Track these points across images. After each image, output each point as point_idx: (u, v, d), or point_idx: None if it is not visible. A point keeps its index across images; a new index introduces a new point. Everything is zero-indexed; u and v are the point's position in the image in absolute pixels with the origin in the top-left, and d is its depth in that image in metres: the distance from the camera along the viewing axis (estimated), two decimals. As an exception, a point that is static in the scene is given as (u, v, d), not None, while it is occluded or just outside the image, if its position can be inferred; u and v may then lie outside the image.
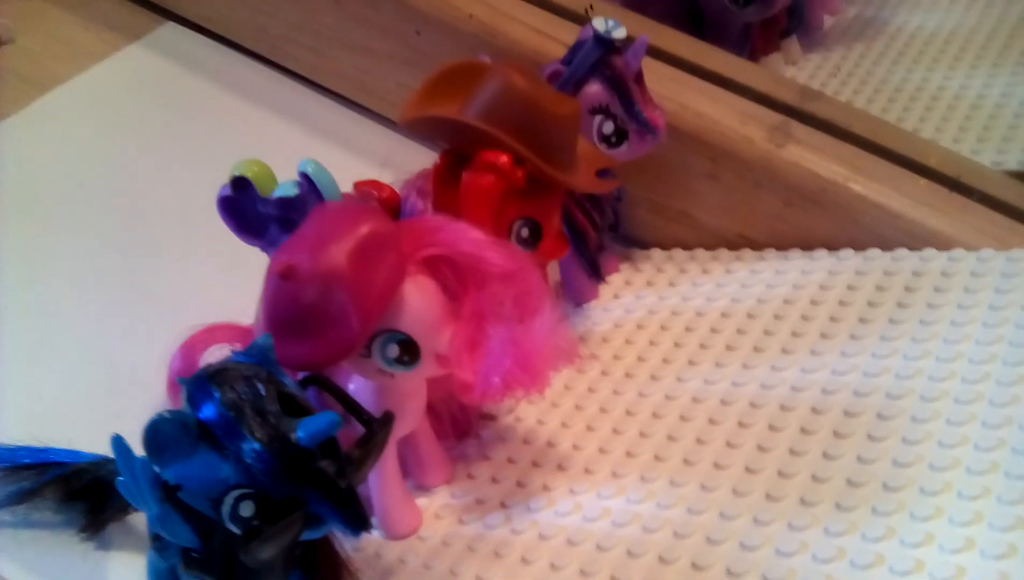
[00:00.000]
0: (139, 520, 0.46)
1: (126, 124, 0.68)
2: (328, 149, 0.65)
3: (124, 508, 0.45)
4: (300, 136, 0.67)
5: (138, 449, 0.35)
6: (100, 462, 0.45)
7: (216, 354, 0.49)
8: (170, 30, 0.74)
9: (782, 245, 0.57)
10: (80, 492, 0.45)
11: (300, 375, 0.39)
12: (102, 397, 0.52)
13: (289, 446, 0.34)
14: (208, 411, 0.34)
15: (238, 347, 0.49)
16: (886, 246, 0.54)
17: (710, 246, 0.59)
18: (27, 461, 0.45)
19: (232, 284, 0.57)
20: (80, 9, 0.75)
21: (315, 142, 0.66)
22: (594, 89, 0.52)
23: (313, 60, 0.70)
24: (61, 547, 0.46)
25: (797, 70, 0.74)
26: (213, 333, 0.49)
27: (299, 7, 0.69)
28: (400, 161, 0.55)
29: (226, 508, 0.34)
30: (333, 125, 0.67)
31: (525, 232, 0.47)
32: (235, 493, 0.34)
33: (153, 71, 0.71)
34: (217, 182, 0.56)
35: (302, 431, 0.34)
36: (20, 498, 0.45)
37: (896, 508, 0.39)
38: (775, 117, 0.58)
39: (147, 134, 0.67)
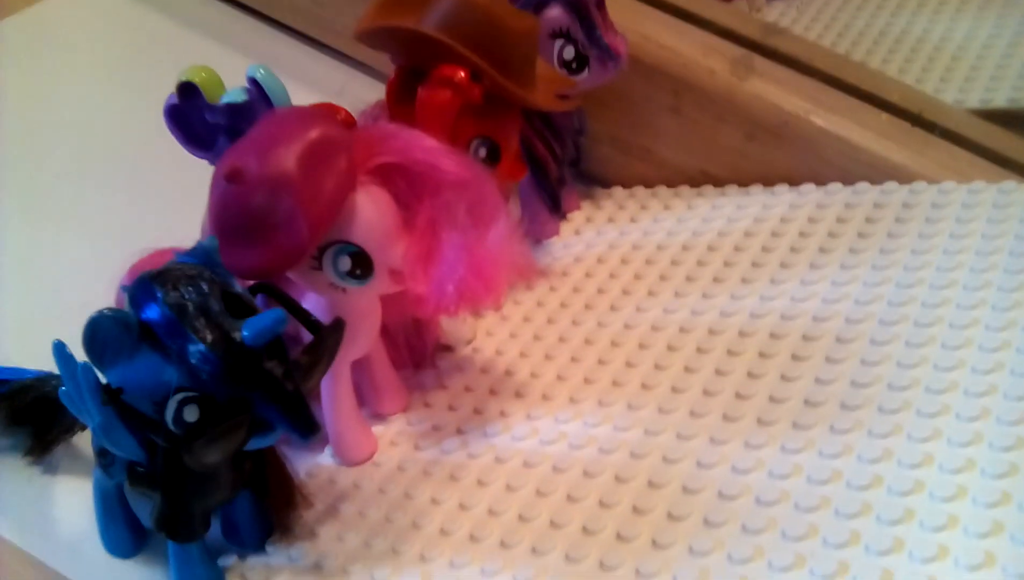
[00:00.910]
0: (85, 444, 0.45)
1: (77, 58, 0.66)
2: (285, 82, 0.63)
3: (70, 428, 0.44)
4: (253, 69, 0.65)
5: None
6: (44, 378, 0.43)
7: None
8: (126, -36, 0.72)
9: (744, 181, 0.57)
10: (25, 411, 0.44)
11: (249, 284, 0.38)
12: (51, 325, 0.50)
13: (234, 346, 0.32)
14: (151, 311, 0.33)
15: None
16: (848, 180, 0.54)
17: (672, 183, 0.59)
18: (-33, 382, 0.44)
19: (184, 214, 0.55)
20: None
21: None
22: (555, 12, 0.51)
23: (270, -6, 0.69)
24: (7, 471, 0.45)
25: (763, 16, 0.73)
26: (162, 256, 0.47)
27: (255, -58, 0.68)
28: (356, 92, 0.54)
29: (170, 412, 0.33)
30: (289, 59, 0.66)
31: (483, 152, 0.46)
32: (179, 396, 0.33)
33: (106, 6, 0.69)
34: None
35: (247, 330, 0.33)
36: (-36, 421, 0.44)
37: (854, 426, 0.39)
38: (737, 50, 0.57)
39: (99, 68, 0.66)
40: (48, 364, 0.43)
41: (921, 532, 0.34)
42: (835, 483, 0.37)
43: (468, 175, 0.38)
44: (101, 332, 0.33)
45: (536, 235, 0.56)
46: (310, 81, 0.63)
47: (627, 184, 0.60)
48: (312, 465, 0.44)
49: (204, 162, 0.46)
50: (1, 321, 0.51)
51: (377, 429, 0.46)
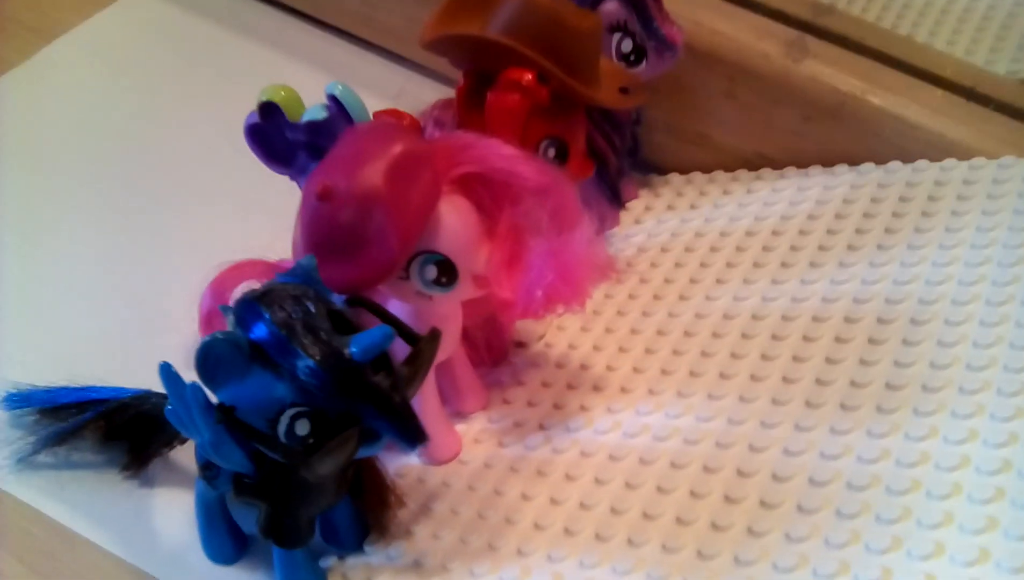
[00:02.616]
0: (181, 456, 0.46)
1: (133, 70, 0.67)
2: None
3: (168, 442, 0.45)
4: (309, 74, 0.66)
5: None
6: (142, 396, 0.45)
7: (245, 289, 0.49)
8: (177, -26, 0.73)
9: (802, 162, 0.57)
10: (121, 429, 0.45)
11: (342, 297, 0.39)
12: (132, 340, 0.52)
13: (343, 361, 0.34)
14: (259, 331, 0.34)
15: (266, 282, 0.49)
16: (907, 158, 0.54)
17: (729, 167, 0.59)
18: (67, 401, 0.45)
19: (251, 222, 0.56)
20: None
21: (325, 80, 0.65)
22: (612, 6, 0.52)
23: (319, -1, 0.69)
24: (105, 486, 0.46)
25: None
26: (241, 269, 0.49)
27: (301, -55, 0.68)
28: (414, 92, 0.55)
29: (282, 427, 0.34)
30: (342, 63, 0.67)
31: (552, 152, 0.47)
32: (291, 411, 0.34)
33: (158, 16, 0.70)
34: (228, 123, 0.56)
35: (355, 346, 0.34)
36: (61, 439, 0.45)
37: (937, 408, 0.40)
38: (790, 32, 0.57)
39: (155, 79, 0.67)
40: (141, 378, 0.44)
41: (1012, 509, 0.35)
42: (924, 465, 0.38)
43: (548, 181, 0.39)
44: (214, 354, 0.34)
45: (598, 227, 0.57)
46: (366, 84, 0.63)
47: (684, 170, 0.60)
48: (401, 466, 0.45)
49: (267, 172, 0.46)
50: (85, 336, 0.52)
51: (460, 427, 0.47)
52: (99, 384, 0.46)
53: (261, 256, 0.50)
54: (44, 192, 0.60)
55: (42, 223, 0.58)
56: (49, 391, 0.46)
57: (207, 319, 0.49)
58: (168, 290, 0.53)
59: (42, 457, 0.46)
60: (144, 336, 0.51)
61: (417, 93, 0.55)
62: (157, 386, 0.39)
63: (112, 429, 0.45)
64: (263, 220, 0.53)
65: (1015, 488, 0.36)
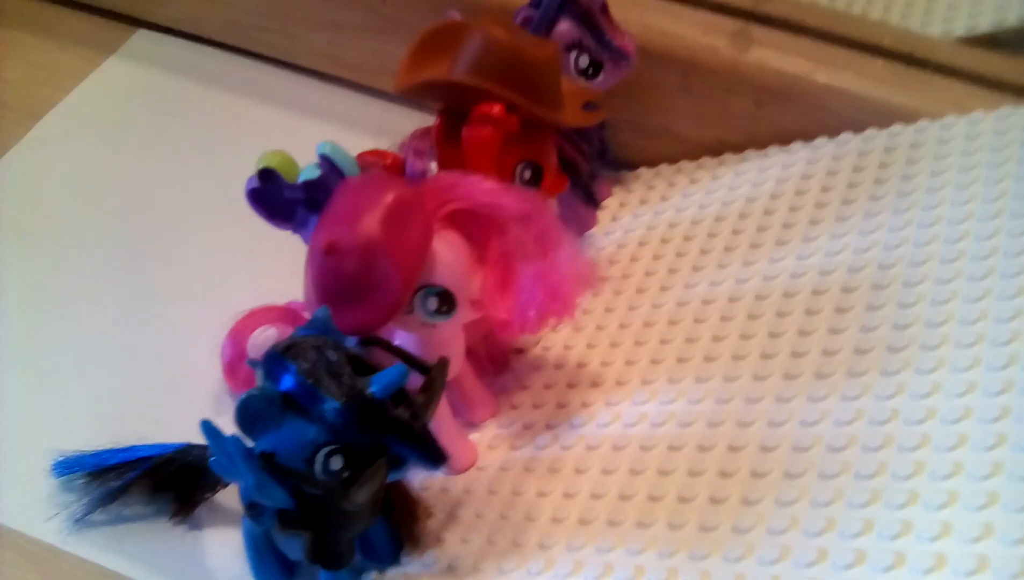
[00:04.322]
0: (225, 498, 0.50)
1: (122, 137, 0.70)
2: (318, 126, 0.68)
3: (212, 487, 0.49)
4: (288, 119, 0.69)
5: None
6: (183, 449, 0.48)
7: (261, 335, 0.53)
8: (143, 37, 0.76)
9: (760, 143, 0.61)
10: (167, 481, 0.49)
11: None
12: (163, 395, 0.55)
13: (366, 400, 0.38)
14: (288, 382, 0.38)
15: (279, 326, 0.53)
16: (857, 128, 0.58)
17: (693, 156, 0.63)
18: (113, 462, 0.49)
19: (256, 269, 0.60)
20: (51, 32, 0.77)
21: (304, 122, 0.69)
22: (565, 27, 0.55)
23: (286, 43, 0.72)
24: (158, 535, 0.49)
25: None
26: (254, 317, 0.53)
27: (262, -6, 0.72)
28: (393, 125, 0.58)
29: (318, 465, 0.38)
30: (317, 103, 0.70)
31: (527, 174, 0.51)
32: (324, 450, 0.38)
33: (136, 80, 0.73)
34: (222, 176, 0.59)
35: (375, 385, 0.38)
36: (112, 497, 0.49)
37: (902, 366, 0.44)
38: (734, 24, 0.61)
39: (144, 143, 0.70)
40: (177, 429, 0.48)
41: (975, 453, 0.39)
42: (895, 421, 0.42)
43: (529, 208, 0.43)
44: (252, 409, 0.38)
45: (577, 229, 0.61)
46: (345, 122, 0.67)
47: (652, 163, 0.64)
48: (424, 479, 0.49)
49: (264, 222, 0.49)
50: (117, 397, 0.56)
51: (474, 436, 0.51)
52: (140, 442, 0.50)
53: (270, 301, 0.54)
54: (54, 266, 0.62)
55: (60, 295, 0.61)
56: (95, 455, 0.50)
57: (230, 367, 0.53)
58: (188, 344, 0.57)
59: (96, 516, 0.50)
60: (173, 390, 0.55)
61: (394, 124, 0.59)
62: (193, 436, 0.43)
63: (158, 482, 0.49)
64: (266, 266, 0.56)
65: (976, 432, 0.40)
